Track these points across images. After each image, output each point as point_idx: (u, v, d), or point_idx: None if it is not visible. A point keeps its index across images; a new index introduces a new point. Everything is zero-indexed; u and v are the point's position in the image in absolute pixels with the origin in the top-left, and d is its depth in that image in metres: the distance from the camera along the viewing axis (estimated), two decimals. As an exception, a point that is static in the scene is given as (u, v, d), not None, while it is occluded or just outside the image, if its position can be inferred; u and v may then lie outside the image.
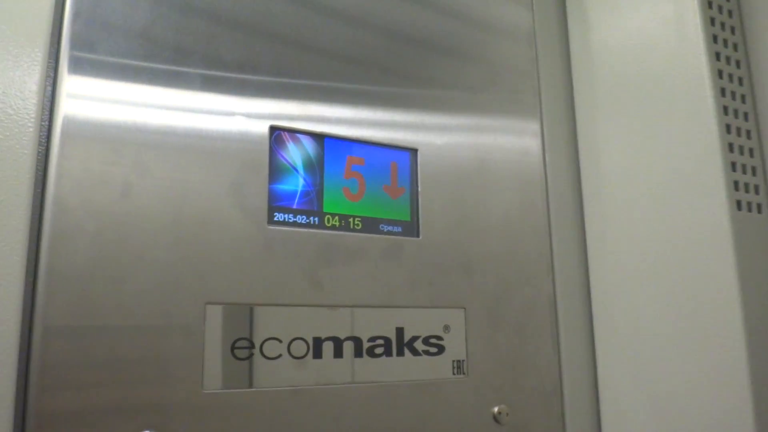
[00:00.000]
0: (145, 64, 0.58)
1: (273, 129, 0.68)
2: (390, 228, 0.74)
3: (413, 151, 0.77)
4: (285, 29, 0.71)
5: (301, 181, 0.70)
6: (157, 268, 0.54)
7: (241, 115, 0.66)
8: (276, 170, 0.68)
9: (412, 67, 0.76)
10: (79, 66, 0.55)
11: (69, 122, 0.53)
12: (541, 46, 0.85)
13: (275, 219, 0.67)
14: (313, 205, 0.70)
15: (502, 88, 0.80)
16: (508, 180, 0.78)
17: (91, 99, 0.56)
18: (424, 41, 0.76)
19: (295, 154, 0.70)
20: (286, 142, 0.69)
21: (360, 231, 0.72)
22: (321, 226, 0.70)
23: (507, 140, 0.79)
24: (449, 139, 0.77)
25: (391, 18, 0.76)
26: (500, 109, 0.79)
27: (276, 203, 0.67)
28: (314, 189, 0.70)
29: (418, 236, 0.75)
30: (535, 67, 0.83)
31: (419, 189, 0.76)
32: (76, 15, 0.56)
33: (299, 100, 0.70)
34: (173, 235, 0.55)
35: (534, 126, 0.81)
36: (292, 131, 0.69)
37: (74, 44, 0.56)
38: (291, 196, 0.69)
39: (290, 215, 0.68)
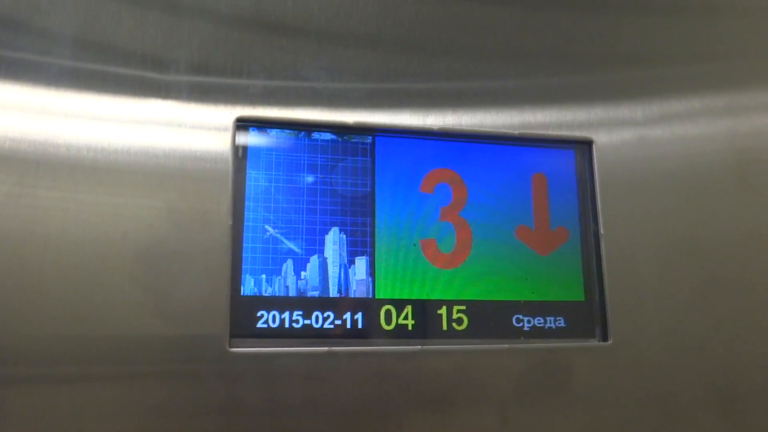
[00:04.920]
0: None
1: (239, 121, 0.30)
2: (540, 323, 0.32)
3: (584, 146, 0.34)
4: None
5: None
6: None
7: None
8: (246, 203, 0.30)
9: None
10: None
11: None
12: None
13: (251, 330, 0.28)
14: (344, 287, 0.30)
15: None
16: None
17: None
18: None
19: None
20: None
21: (464, 336, 0.31)
22: (369, 334, 0.30)
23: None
24: (679, 126, 0.35)
25: None
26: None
27: (247, 291, 0.28)
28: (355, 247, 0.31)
29: (606, 339, 0.32)
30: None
31: (600, 228, 0.34)
32: None
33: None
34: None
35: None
36: (278, 125, 0.31)
37: None
38: (278, 269, 0.30)
39: (281, 314, 0.29)
